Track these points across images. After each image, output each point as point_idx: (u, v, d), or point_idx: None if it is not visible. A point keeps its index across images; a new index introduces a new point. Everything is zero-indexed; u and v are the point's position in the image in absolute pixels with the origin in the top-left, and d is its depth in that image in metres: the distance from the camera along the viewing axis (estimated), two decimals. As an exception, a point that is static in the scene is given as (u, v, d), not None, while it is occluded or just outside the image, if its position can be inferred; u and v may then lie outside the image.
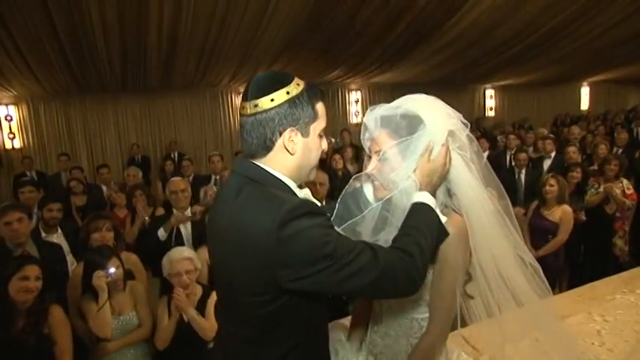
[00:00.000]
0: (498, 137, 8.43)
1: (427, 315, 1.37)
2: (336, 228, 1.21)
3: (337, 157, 6.22)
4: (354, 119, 11.46)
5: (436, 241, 1.23)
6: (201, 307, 2.71)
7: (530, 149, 6.97)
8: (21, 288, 2.30)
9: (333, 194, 3.28)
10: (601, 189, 4.54)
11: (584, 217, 4.45)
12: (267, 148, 1.19)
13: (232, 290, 1.22)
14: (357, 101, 11.62)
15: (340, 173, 5.97)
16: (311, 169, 1.28)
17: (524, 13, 7.16)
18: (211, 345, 2.49)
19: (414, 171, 1.27)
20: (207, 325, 2.60)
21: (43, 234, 3.60)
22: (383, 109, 1.31)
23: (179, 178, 4.10)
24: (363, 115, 1.36)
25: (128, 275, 2.85)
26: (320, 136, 1.25)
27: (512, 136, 7.19)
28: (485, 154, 5.92)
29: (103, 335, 2.57)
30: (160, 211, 4.37)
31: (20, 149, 9.00)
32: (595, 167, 5.27)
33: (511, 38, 8.34)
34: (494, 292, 1.37)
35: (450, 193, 1.36)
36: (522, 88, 13.93)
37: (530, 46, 8.82)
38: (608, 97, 15.58)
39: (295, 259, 1.08)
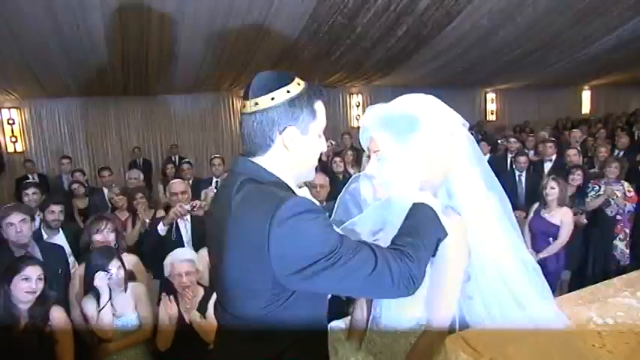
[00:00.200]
0: (499, 141, 8.44)
1: (426, 314, 1.37)
2: (334, 227, 1.22)
3: (338, 159, 6.22)
4: (354, 123, 11.46)
5: (436, 241, 1.23)
6: (202, 309, 2.72)
7: (531, 152, 6.98)
8: (23, 288, 2.31)
9: (333, 197, 3.27)
10: (602, 191, 4.55)
11: (585, 220, 4.45)
12: (266, 146, 1.20)
13: (231, 287, 1.22)
14: (357, 105, 11.64)
15: (341, 176, 5.96)
16: (310, 169, 1.29)
17: (525, 16, 7.17)
18: (212, 347, 2.50)
19: (415, 170, 1.27)
20: (209, 327, 2.61)
21: (45, 235, 3.62)
22: (381, 110, 1.32)
23: (179, 181, 4.12)
24: (364, 118, 1.37)
25: (129, 276, 2.86)
26: (319, 136, 1.26)
27: (512, 140, 7.19)
28: (486, 157, 5.93)
29: (105, 336, 2.59)
30: (161, 214, 4.37)
31: (22, 152, 9.03)
32: (596, 169, 5.27)
33: (511, 42, 8.35)
34: (495, 292, 1.37)
35: (449, 193, 1.37)
36: (523, 91, 13.92)
37: (530, 49, 8.83)
38: (610, 101, 15.56)
39: (293, 256, 1.08)
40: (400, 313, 1.41)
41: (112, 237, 3.14)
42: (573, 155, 5.58)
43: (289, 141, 1.19)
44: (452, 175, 1.35)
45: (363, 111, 1.41)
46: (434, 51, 8.43)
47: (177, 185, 3.84)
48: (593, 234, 4.58)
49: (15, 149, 9.03)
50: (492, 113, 13.99)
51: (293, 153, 1.21)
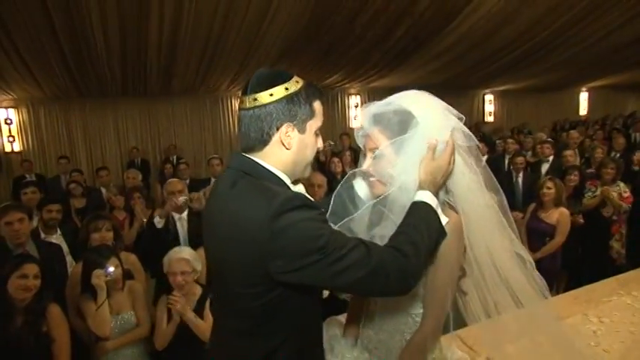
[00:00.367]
0: (497, 142, 8.46)
1: (422, 311, 1.38)
2: (330, 223, 1.23)
3: (336, 160, 6.24)
4: (353, 123, 11.48)
5: (435, 241, 1.23)
6: (200, 308, 2.72)
7: (529, 153, 7.00)
8: (20, 286, 2.31)
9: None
10: (598, 192, 4.57)
11: (581, 220, 4.47)
12: (263, 142, 1.21)
13: (226, 282, 1.23)
14: (356, 105, 11.65)
15: (339, 177, 5.97)
16: (305, 166, 1.30)
17: (523, 18, 7.20)
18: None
19: (418, 169, 1.26)
20: (205, 327, 2.60)
21: (43, 235, 3.61)
22: (375, 107, 1.33)
23: (176, 180, 4.14)
24: (362, 120, 1.37)
25: (127, 275, 2.87)
26: (316, 134, 1.27)
27: (510, 141, 7.21)
28: (484, 158, 5.93)
29: (102, 334, 2.59)
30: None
31: (20, 152, 9.01)
32: (592, 170, 5.30)
33: (510, 43, 8.39)
34: (491, 288, 1.38)
35: (446, 189, 1.37)
36: (521, 93, 13.97)
37: (528, 51, 8.86)
38: (607, 103, 15.61)
39: (287, 251, 1.08)
40: (396, 310, 1.42)
41: (109, 236, 3.15)
42: (570, 156, 5.60)
43: (286, 137, 1.20)
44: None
45: (362, 112, 1.41)
46: (432, 52, 8.46)
47: (174, 184, 3.85)
48: (590, 234, 4.60)
49: (12, 149, 9.01)
50: (490, 114, 14.02)
51: (290, 149, 1.22)
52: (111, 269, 2.62)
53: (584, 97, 15.49)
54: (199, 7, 5.61)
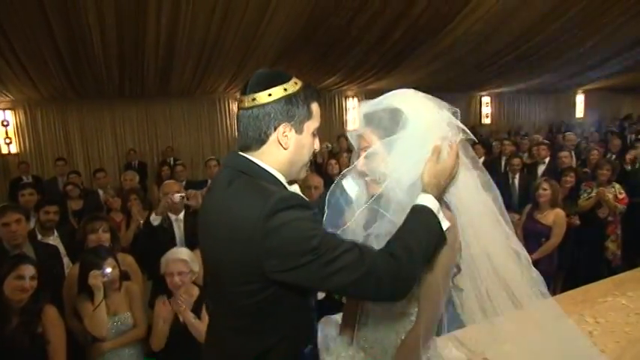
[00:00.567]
0: (494, 144, 8.50)
1: (416, 310, 1.38)
2: (323, 224, 1.23)
3: (333, 162, 6.26)
4: (350, 126, 11.50)
5: (433, 247, 1.22)
6: (197, 309, 2.72)
7: (525, 155, 7.03)
8: (16, 287, 2.31)
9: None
10: (593, 193, 4.59)
11: (577, 221, 4.49)
12: (261, 141, 1.22)
13: (221, 280, 1.23)
14: (353, 108, 11.67)
15: (336, 179, 5.97)
16: (302, 166, 1.31)
17: (520, 21, 7.24)
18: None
19: (413, 167, 1.26)
20: (203, 328, 2.60)
21: (39, 236, 3.60)
22: (366, 106, 1.35)
23: (172, 181, 4.15)
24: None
25: (124, 276, 2.86)
26: (313, 135, 1.28)
27: (507, 142, 7.25)
28: (481, 160, 5.97)
29: (99, 334, 2.58)
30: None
31: (17, 154, 8.98)
32: (587, 169, 5.32)
33: (506, 46, 8.43)
34: (487, 284, 1.38)
35: None
36: (518, 95, 14.03)
37: (525, 54, 8.91)
38: (603, 105, 15.69)
39: (281, 250, 1.09)
40: (391, 309, 1.42)
41: (106, 237, 3.15)
42: (565, 157, 5.63)
43: (283, 137, 1.21)
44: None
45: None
46: (429, 55, 8.49)
47: (170, 185, 3.85)
48: (585, 235, 4.62)
49: (9, 151, 8.98)
50: (487, 117, 14.06)
51: (287, 149, 1.23)
52: (108, 270, 2.61)
53: (580, 100, 15.56)
54: (197, 8, 5.62)
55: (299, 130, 1.23)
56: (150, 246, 3.42)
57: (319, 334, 1.49)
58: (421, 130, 1.28)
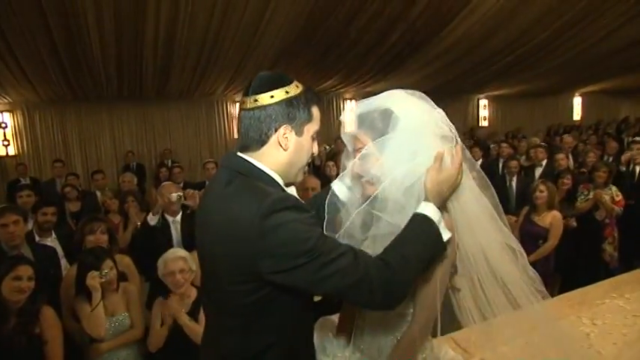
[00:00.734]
0: (491, 146, 8.51)
1: (412, 310, 1.38)
2: (319, 226, 1.23)
3: (331, 164, 6.26)
4: (348, 128, 11.49)
5: (431, 256, 1.21)
6: (195, 310, 2.71)
7: (523, 158, 7.04)
8: (13, 288, 2.31)
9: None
10: (590, 196, 4.60)
11: (574, 224, 4.50)
12: (261, 142, 1.23)
13: (217, 278, 1.24)
14: (351, 110, 11.68)
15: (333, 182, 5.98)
16: (300, 169, 1.31)
17: (517, 24, 7.27)
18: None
19: (398, 164, 1.26)
20: (200, 330, 2.59)
21: (37, 238, 3.60)
22: (358, 108, 1.36)
23: (169, 183, 4.16)
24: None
25: (121, 277, 2.86)
26: (312, 139, 1.30)
27: (504, 145, 7.25)
28: (479, 162, 5.97)
29: (97, 335, 2.58)
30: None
31: (15, 156, 8.98)
32: (583, 169, 5.33)
33: (504, 49, 8.46)
34: (484, 283, 1.38)
35: None
36: (516, 98, 14.07)
37: (522, 56, 8.94)
38: (600, 108, 15.76)
39: (276, 250, 1.10)
40: (387, 310, 1.42)
41: (104, 238, 3.15)
42: (561, 160, 5.63)
43: (284, 139, 1.22)
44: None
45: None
46: (427, 57, 8.52)
47: (168, 187, 3.86)
48: (583, 237, 4.62)
49: (7, 153, 8.98)
50: (485, 119, 14.12)
51: (285, 151, 1.24)
52: (105, 271, 2.61)
53: (577, 102, 15.63)
54: (195, 10, 5.63)
55: (299, 132, 1.25)
56: (147, 247, 3.42)
57: (316, 334, 1.49)
58: (411, 129, 1.27)
